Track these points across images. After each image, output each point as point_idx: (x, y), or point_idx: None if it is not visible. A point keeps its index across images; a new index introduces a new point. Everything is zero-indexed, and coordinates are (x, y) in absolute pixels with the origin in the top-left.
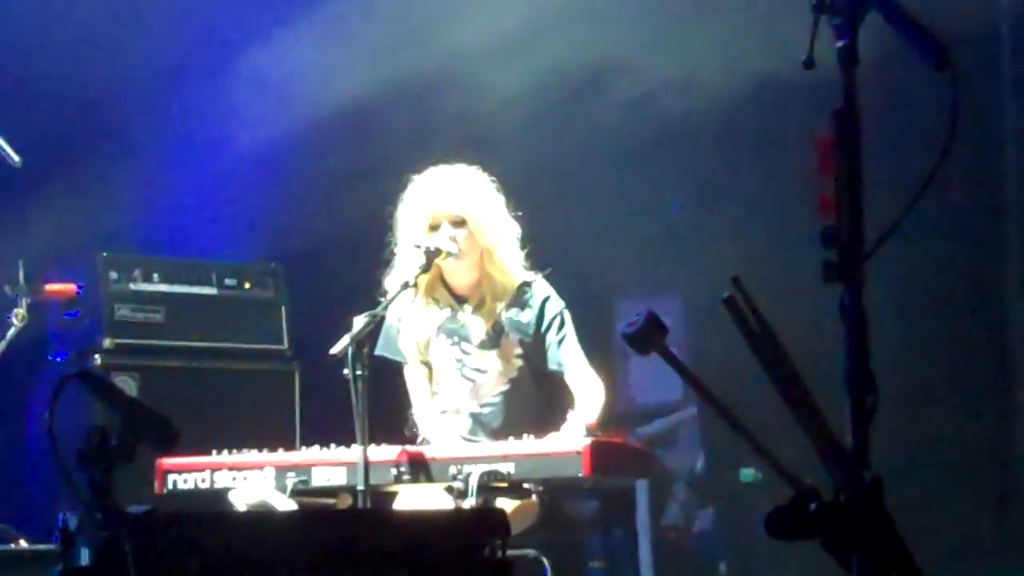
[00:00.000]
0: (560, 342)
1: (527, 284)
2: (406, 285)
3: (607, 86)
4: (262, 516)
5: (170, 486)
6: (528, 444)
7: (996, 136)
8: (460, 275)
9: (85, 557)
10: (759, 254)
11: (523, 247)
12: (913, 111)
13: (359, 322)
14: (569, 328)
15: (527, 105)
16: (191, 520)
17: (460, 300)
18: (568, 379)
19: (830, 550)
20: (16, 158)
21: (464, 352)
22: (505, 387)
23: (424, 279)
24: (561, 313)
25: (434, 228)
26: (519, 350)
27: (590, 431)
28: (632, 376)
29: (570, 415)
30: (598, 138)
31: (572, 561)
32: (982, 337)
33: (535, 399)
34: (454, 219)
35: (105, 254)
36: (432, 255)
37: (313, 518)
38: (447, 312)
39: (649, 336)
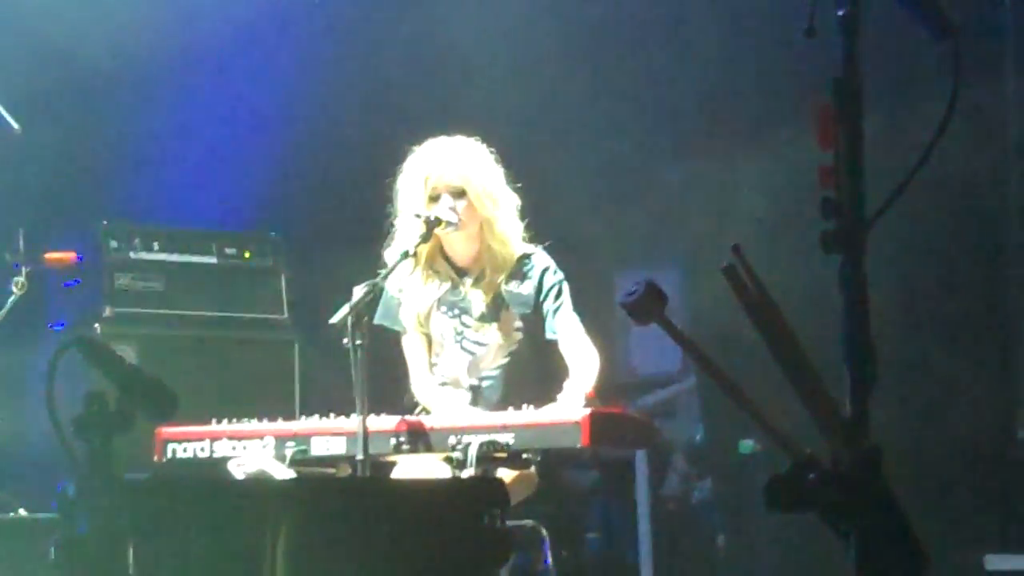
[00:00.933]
0: (556, 310)
1: (527, 256)
2: (406, 255)
3: (604, 58)
4: (261, 484)
5: (169, 455)
6: (527, 414)
7: (998, 110)
8: (460, 247)
9: (84, 525)
10: (759, 224)
11: (522, 219)
12: (915, 80)
13: (359, 292)
14: (566, 298)
15: (527, 76)
16: (190, 488)
17: (460, 273)
18: (562, 347)
19: (828, 521)
20: (16, 126)
21: (464, 325)
22: (505, 360)
23: (424, 249)
24: (559, 283)
25: (434, 199)
26: (519, 323)
27: (589, 401)
28: (632, 347)
29: (566, 384)
30: (596, 110)
31: (570, 531)
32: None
33: (535, 372)
34: (454, 189)
35: (105, 223)
36: (432, 224)
37: (312, 486)
38: (447, 285)
39: (648, 305)
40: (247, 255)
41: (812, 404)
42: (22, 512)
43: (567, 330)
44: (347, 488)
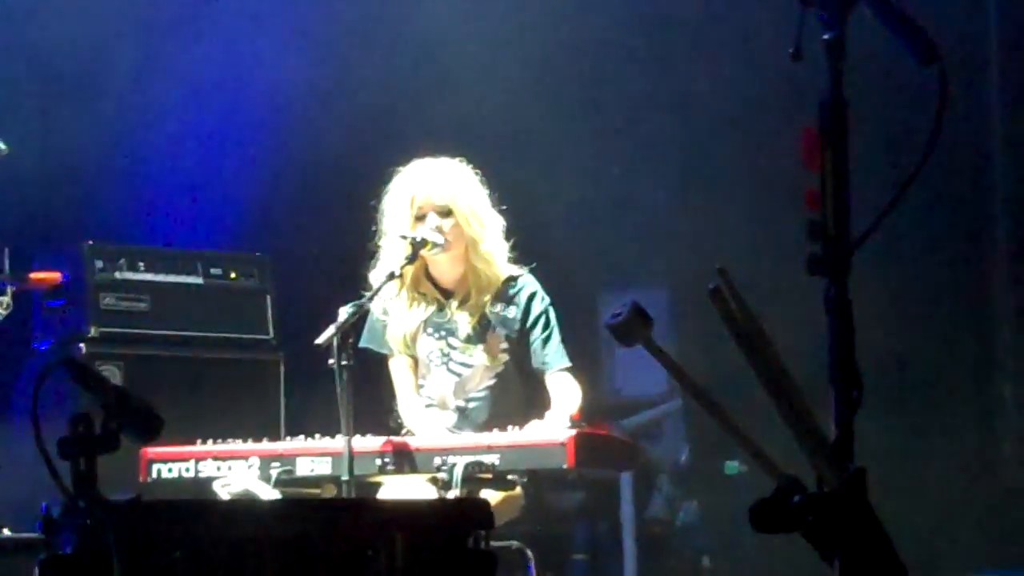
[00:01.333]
0: (545, 341)
1: (513, 278)
2: (392, 276)
3: (590, 80)
4: (246, 505)
5: (154, 475)
6: (512, 435)
7: (983, 132)
8: (446, 268)
9: (69, 545)
10: (745, 246)
11: (507, 240)
12: (900, 105)
13: (344, 312)
14: (554, 326)
15: (512, 97)
16: (175, 508)
17: (446, 295)
18: (547, 381)
19: (813, 543)
20: (2, 146)
21: (450, 346)
22: (491, 381)
23: (410, 271)
24: (547, 310)
25: (420, 218)
26: (505, 345)
27: (574, 422)
28: (617, 367)
29: (547, 414)
30: (581, 129)
31: (556, 553)
32: (968, 332)
33: (521, 394)
34: (440, 209)
35: (90, 243)
36: (418, 246)
37: (296, 507)
38: (433, 307)
39: (634, 327)
40: (233, 275)
41: (796, 426)
42: (7, 532)
43: (554, 363)
44: (331, 508)
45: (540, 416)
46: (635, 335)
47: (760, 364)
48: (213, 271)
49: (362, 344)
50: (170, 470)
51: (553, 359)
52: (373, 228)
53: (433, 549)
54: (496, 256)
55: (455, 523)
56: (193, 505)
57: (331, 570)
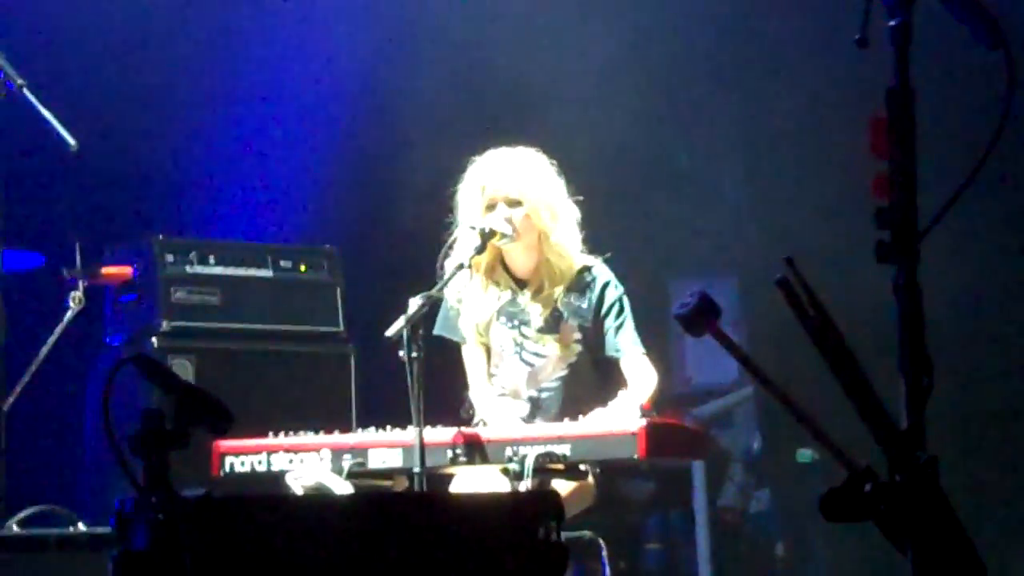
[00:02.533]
0: (618, 328)
1: (587, 268)
2: (460, 267)
3: (662, 69)
4: (317, 500)
5: (227, 468)
6: (584, 426)
7: None
8: (519, 258)
9: (141, 541)
10: (815, 233)
11: (582, 230)
12: (968, 90)
13: (414, 304)
14: (627, 314)
15: (587, 88)
16: (246, 504)
17: (520, 284)
18: (623, 365)
19: (886, 532)
20: (73, 142)
21: (523, 336)
22: (564, 372)
23: (480, 261)
24: (620, 299)
25: (491, 208)
26: (578, 335)
27: (645, 412)
28: (688, 356)
29: (620, 393)
30: (651, 118)
31: (629, 542)
32: None
33: (594, 384)
34: (510, 200)
35: (161, 237)
36: (487, 236)
37: (367, 501)
38: (507, 295)
39: (702, 318)
40: (303, 268)
41: (867, 415)
42: (81, 527)
43: (629, 349)
44: (403, 503)
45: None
46: (703, 325)
47: (830, 353)
48: (283, 264)
49: (436, 332)
50: (243, 463)
51: (627, 345)
52: (444, 220)
53: (505, 541)
54: (569, 247)
55: (526, 515)
56: (264, 500)
57: (403, 565)
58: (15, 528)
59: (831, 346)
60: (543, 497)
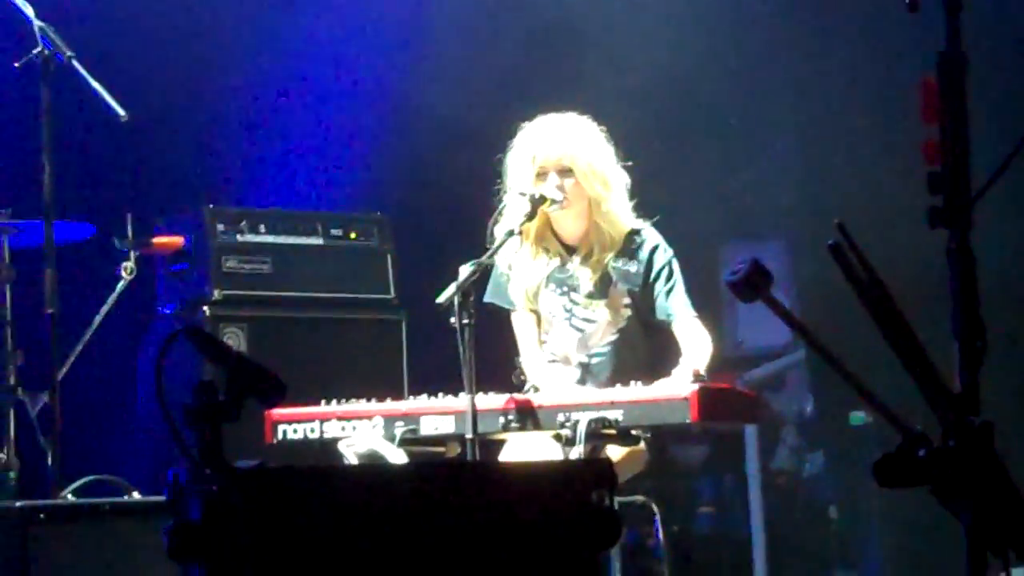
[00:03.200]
0: (668, 292)
1: (636, 232)
2: (511, 233)
3: (712, 32)
4: (370, 470)
5: (280, 436)
6: (636, 391)
7: None
8: (568, 224)
9: (196, 512)
10: (865, 196)
11: (631, 196)
12: (1020, 54)
13: (465, 271)
14: (677, 277)
15: (635, 52)
16: (300, 474)
17: (569, 250)
18: (675, 329)
19: (940, 497)
20: (122, 112)
21: (573, 302)
22: (614, 337)
23: (530, 227)
24: (670, 262)
25: (541, 176)
26: (627, 300)
27: (697, 377)
28: (740, 320)
29: (681, 362)
30: (701, 81)
31: (682, 506)
32: None
33: (644, 349)
34: (561, 167)
35: (212, 206)
36: (537, 203)
37: (420, 470)
38: (556, 261)
39: (753, 284)
40: (353, 235)
41: (921, 380)
42: (136, 495)
43: (680, 312)
44: (455, 471)
45: (664, 371)
46: (755, 291)
47: (882, 319)
48: (334, 231)
49: (486, 299)
50: (295, 431)
51: (679, 309)
52: (495, 186)
53: (557, 509)
54: (618, 213)
55: (579, 483)
56: (317, 471)
57: (458, 533)
58: (70, 497)
59: (883, 311)
60: (595, 464)
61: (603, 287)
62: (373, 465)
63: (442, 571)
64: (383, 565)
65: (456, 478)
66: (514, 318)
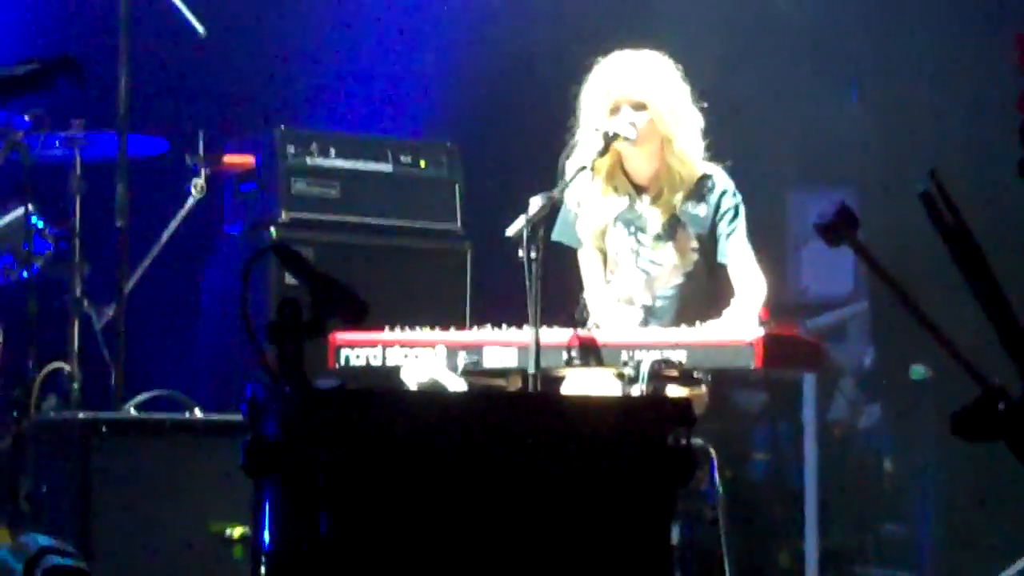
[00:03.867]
0: (729, 235)
1: (707, 176)
2: (582, 169)
3: None
4: (447, 396)
5: (342, 361)
6: (701, 332)
7: None
8: (639, 163)
9: (272, 429)
10: (945, 146)
11: (705, 139)
12: None
13: (535, 203)
14: (741, 222)
15: None
16: (378, 397)
17: (639, 190)
18: (731, 272)
19: (1017, 451)
20: (201, 29)
21: (640, 243)
22: (680, 280)
23: (602, 164)
24: (736, 207)
25: (615, 111)
26: (695, 244)
27: (762, 322)
28: (804, 267)
29: (732, 302)
30: (773, 23)
31: (736, 452)
32: None
33: (710, 294)
34: (635, 103)
35: (283, 127)
36: (610, 139)
37: (498, 398)
38: (625, 201)
39: (840, 228)
40: (422, 163)
41: (1004, 332)
42: (198, 412)
43: (738, 256)
44: (533, 399)
45: None
46: (841, 236)
47: (969, 268)
48: (403, 159)
49: (554, 237)
50: (358, 356)
51: (737, 251)
52: (566, 118)
53: (634, 445)
54: (691, 154)
55: (657, 420)
56: (395, 394)
57: (533, 463)
58: (132, 411)
59: (969, 261)
60: (674, 403)
61: (671, 229)
62: (449, 392)
63: (514, 499)
64: (455, 491)
65: (533, 408)
66: (580, 256)
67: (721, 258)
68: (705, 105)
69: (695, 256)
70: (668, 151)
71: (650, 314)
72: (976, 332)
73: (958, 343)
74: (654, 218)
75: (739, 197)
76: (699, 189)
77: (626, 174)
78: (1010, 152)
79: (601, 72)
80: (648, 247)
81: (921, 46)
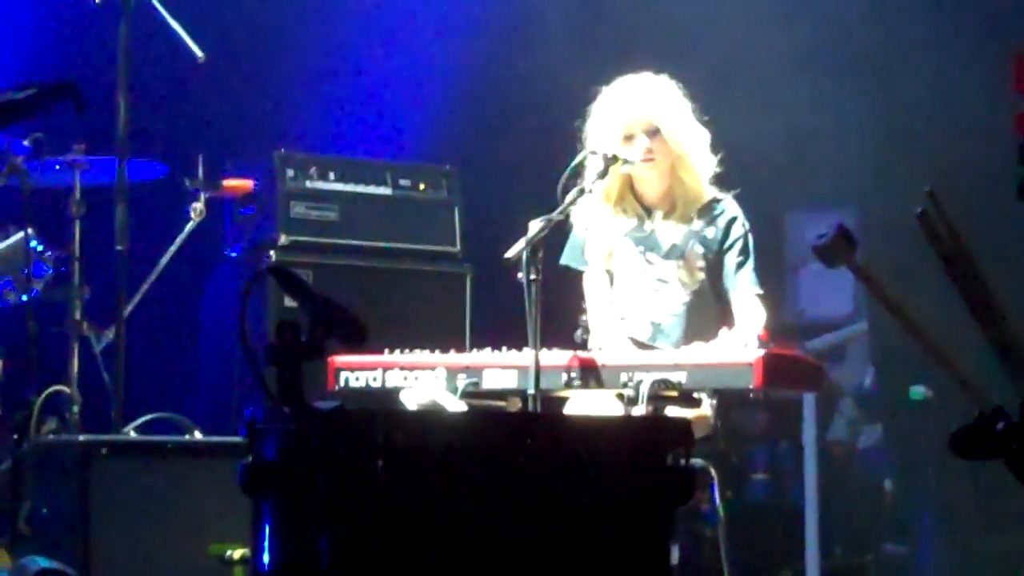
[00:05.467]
0: (738, 266)
1: (717, 200)
2: (582, 192)
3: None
4: (447, 416)
5: (342, 383)
6: (700, 353)
7: None
8: (650, 184)
9: (271, 451)
10: (935, 171)
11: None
12: None
13: (535, 226)
14: (751, 254)
15: (701, 12)
16: (377, 417)
17: (648, 210)
18: (733, 302)
19: (1016, 471)
20: (200, 54)
21: (648, 262)
22: (688, 298)
23: (611, 188)
24: (745, 236)
25: (629, 140)
26: (702, 263)
27: (762, 343)
28: (802, 289)
29: (723, 332)
30: (771, 49)
31: (736, 472)
32: None
33: (716, 313)
34: (648, 128)
35: (282, 151)
36: (609, 162)
37: (497, 418)
38: (634, 221)
39: (839, 249)
40: (422, 187)
41: (1002, 352)
42: (197, 435)
43: (744, 292)
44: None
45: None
46: (840, 257)
47: (967, 288)
48: (402, 182)
49: (562, 262)
50: (357, 379)
51: (744, 285)
52: (566, 141)
53: (633, 465)
54: (701, 171)
55: (655, 441)
56: (395, 415)
57: (532, 483)
58: (132, 434)
59: (968, 281)
60: (673, 424)
61: (681, 248)
62: (450, 412)
63: (514, 519)
64: (455, 511)
65: (532, 428)
66: (586, 277)
67: (727, 286)
68: (707, 119)
69: (702, 276)
70: (680, 168)
71: (658, 331)
72: (975, 352)
73: (957, 363)
74: (665, 236)
75: (748, 226)
76: (708, 212)
77: (636, 196)
78: (1009, 173)
79: (608, 100)
80: (657, 265)
81: (920, 68)
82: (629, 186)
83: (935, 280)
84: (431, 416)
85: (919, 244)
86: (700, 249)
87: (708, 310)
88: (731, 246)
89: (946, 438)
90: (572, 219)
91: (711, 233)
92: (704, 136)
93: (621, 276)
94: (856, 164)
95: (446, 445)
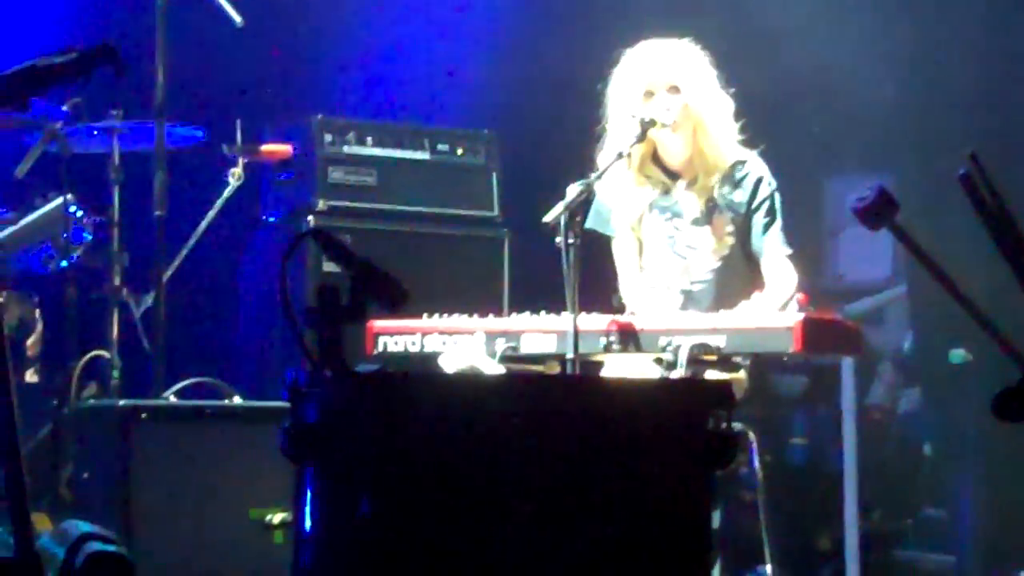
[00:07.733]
0: (765, 227)
1: (741, 162)
2: (620, 156)
3: None
4: (489, 379)
5: (380, 348)
6: (740, 317)
7: None
8: (674, 149)
9: (313, 414)
10: (979, 132)
11: (737, 120)
12: None
13: (573, 190)
14: (778, 213)
15: None
16: (418, 380)
17: (672, 176)
18: (764, 265)
19: None
20: (238, 19)
21: (676, 229)
22: (717, 264)
23: (638, 151)
24: (772, 195)
25: (649, 96)
26: (731, 228)
27: (802, 307)
28: (841, 252)
29: (755, 296)
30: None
31: (775, 436)
32: None
33: (746, 278)
34: (669, 87)
35: (320, 116)
36: (647, 125)
37: (539, 381)
38: (659, 188)
39: (880, 212)
40: (459, 151)
41: None
42: (237, 399)
43: (772, 250)
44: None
45: None
46: (880, 219)
47: (1009, 249)
48: (440, 147)
49: (588, 226)
50: (396, 343)
51: (773, 245)
52: (599, 109)
53: (673, 428)
54: (724, 138)
55: (697, 404)
56: (436, 378)
57: (574, 446)
58: (172, 398)
59: (1011, 243)
60: (714, 386)
61: (707, 214)
62: (491, 375)
63: (553, 483)
64: (494, 473)
65: (571, 392)
66: (614, 245)
67: (756, 249)
68: (733, 90)
69: (731, 240)
70: (702, 135)
71: (689, 299)
72: (1016, 314)
73: (997, 326)
74: (690, 203)
75: (775, 184)
76: (733, 174)
77: (658, 162)
78: None
79: (632, 60)
80: (685, 232)
81: (959, 32)
82: (652, 154)
83: (975, 241)
84: (470, 379)
85: (959, 206)
86: (728, 214)
87: (738, 276)
88: (758, 207)
89: (986, 401)
90: (597, 183)
91: (738, 196)
92: (728, 104)
93: (649, 245)
94: (896, 127)
95: (485, 408)
